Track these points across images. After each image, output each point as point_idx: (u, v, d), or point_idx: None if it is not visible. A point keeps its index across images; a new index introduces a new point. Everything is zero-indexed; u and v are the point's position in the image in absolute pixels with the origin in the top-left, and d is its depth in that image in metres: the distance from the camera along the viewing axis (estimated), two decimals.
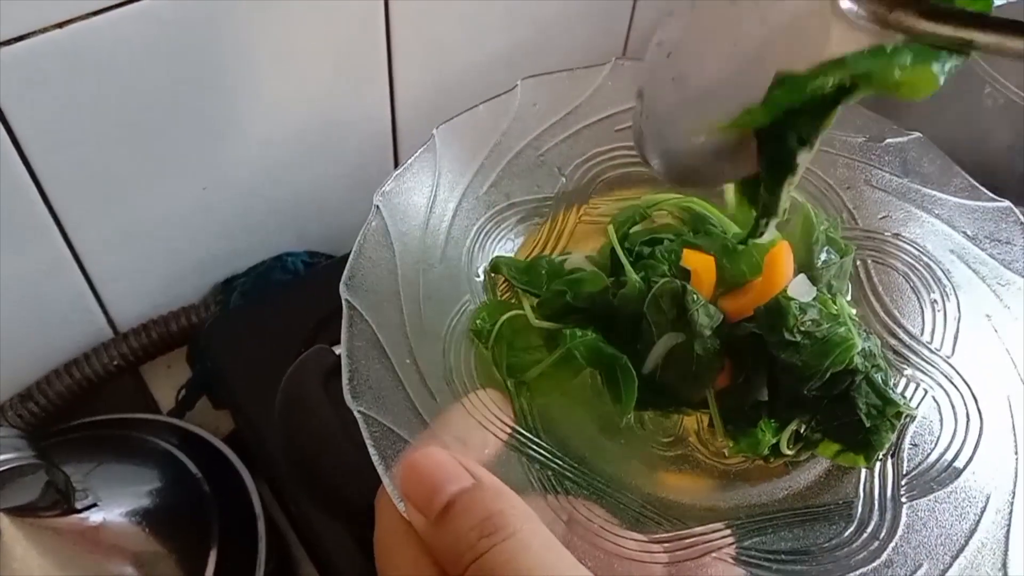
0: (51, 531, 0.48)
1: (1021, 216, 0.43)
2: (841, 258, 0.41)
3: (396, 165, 0.69)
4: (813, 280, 0.38)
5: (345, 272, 0.36)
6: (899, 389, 0.38)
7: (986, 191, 0.44)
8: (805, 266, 0.40)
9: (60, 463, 0.48)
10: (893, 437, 0.36)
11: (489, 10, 0.64)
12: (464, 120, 0.43)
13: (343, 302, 0.34)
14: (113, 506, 0.51)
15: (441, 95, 0.67)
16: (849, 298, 0.42)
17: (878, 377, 0.36)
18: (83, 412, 0.61)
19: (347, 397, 0.32)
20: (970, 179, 0.44)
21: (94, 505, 0.50)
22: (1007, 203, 0.43)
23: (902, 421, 0.37)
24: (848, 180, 0.46)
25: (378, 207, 0.39)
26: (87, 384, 0.61)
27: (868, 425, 0.35)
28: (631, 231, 0.43)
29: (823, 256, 0.40)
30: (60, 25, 0.45)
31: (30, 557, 0.47)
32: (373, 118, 0.65)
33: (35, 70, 0.46)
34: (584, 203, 0.45)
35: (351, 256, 0.37)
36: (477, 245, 0.42)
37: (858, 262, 0.43)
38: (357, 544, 0.50)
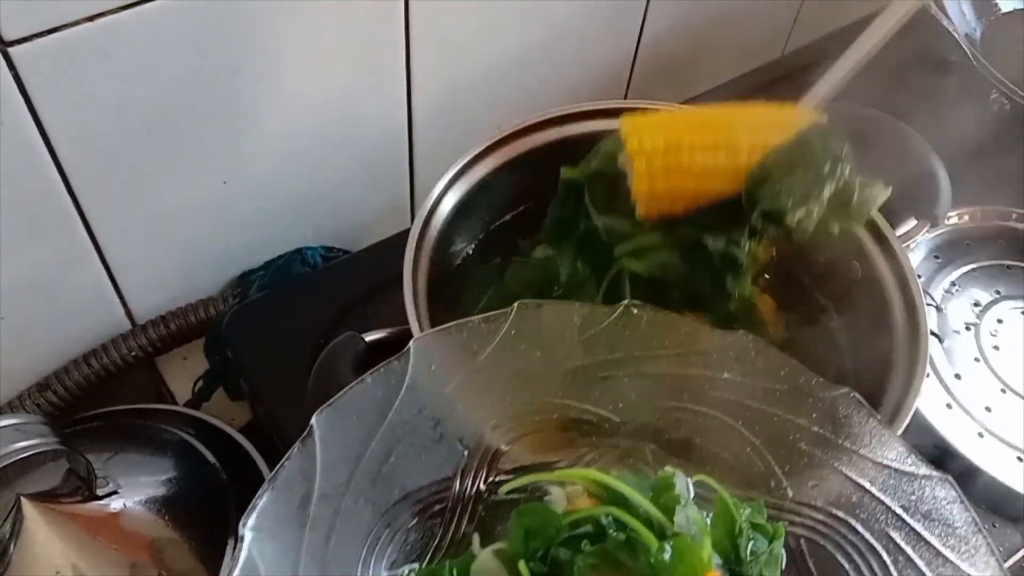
0: (72, 517, 0.49)
1: (959, 494, 0.39)
2: (770, 543, 0.38)
3: (411, 164, 0.70)
4: None
5: None
6: None
7: (922, 461, 0.40)
8: (731, 561, 0.37)
9: (79, 451, 0.49)
10: None
11: (505, 9, 0.65)
12: (349, 399, 0.37)
13: None
14: (132, 494, 0.52)
15: (458, 93, 0.67)
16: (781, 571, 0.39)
17: None
18: (99, 403, 0.61)
19: None
20: (905, 445, 0.40)
21: (114, 492, 0.51)
22: (944, 476, 0.39)
23: None
24: (776, 439, 0.42)
25: (243, 538, 0.33)
26: (104, 374, 0.62)
27: None
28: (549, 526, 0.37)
29: (749, 546, 0.38)
30: (91, 18, 0.45)
31: (51, 542, 0.48)
32: (390, 115, 0.65)
33: (65, 62, 0.46)
34: (490, 480, 0.40)
35: None
36: (366, 562, 0.37)
37: (791, 541, 0.40)
38: None
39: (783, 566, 0.39)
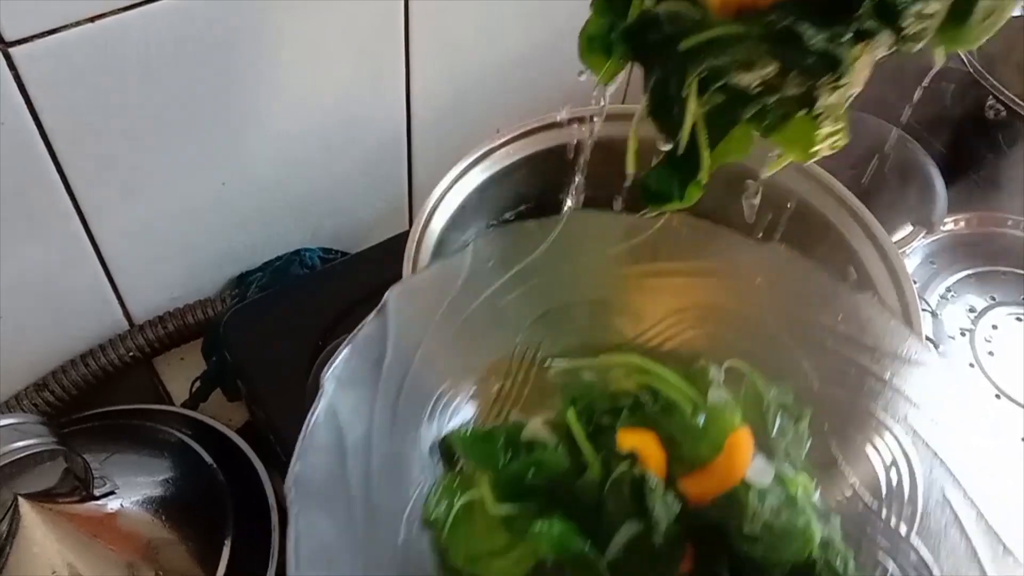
0: (69, 517, 0.49)
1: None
2: (796, 424, 0.40)
3: (410, 166, 0.70)
4: (770, 451, 0.38)
5: (292, 466, 0.33)
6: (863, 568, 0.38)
7: (937, 355, 0.43)
8: (759, 435, 0.39)
9: (77, 451, 0.49)
10: None
11: (504, 13, 0.65)
12: (417, 281, 0.42)
13: (288, 503, 0.32)
14: (129, 494, 0.52)
15: (457, 96, 0.68)
16: (806, 451, 0.41)
17: (839, 565, 0.36)
18: (97, 403, 0.61)
19: None
20: (923, 340, 0.43)
21: (111, 492, 0.51)
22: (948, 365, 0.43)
23: None
24: (805, 338, 0.44)
25: (324, 386, 0.36)
26: (102, 374, 0.62)
27: None
28: (593, 398, 0.42)
29: (777, 423, 0.40)
30: (92, 19, 0.46)
31: (48, 542, 0.48)
32: (389, 118, 0.66)
33: (66, 63, 0.47)
34: (541, 362, 0.44)
35: (297, 448, 0.34)
36: (431, 417, 0.40)
37: (815, 425, 0.42)
38: None
39: (807, 447, 0.41)
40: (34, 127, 0.48)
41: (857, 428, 0.42)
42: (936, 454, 0.40)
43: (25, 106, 0.47)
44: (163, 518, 0.52)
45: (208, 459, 0.56)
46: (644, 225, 0.45)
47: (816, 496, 0.40)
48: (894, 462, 0.41)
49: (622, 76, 0.77)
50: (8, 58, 0.44)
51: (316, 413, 0.35)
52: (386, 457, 0.37)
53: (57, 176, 0.51)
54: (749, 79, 0.37)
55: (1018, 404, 0.61)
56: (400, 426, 0.38)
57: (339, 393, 0.36)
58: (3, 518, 0.47)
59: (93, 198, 0.54)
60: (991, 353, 0.64)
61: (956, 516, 0.39)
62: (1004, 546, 0.37)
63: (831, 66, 0.36)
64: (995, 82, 0.70)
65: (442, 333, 0.41)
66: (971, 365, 0.63)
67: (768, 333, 0.44)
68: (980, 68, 0.70)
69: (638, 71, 0.73)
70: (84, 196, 0.53)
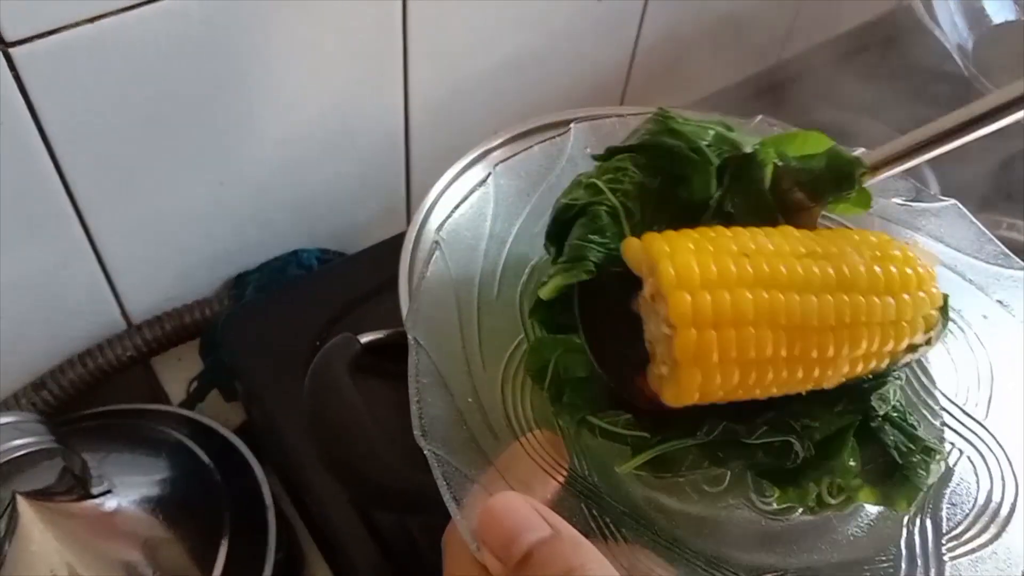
0: (67, 515, 0.49)
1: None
2: None
3: (407, 168, 0.70)
4: None
5: (408, 308, 0.36)
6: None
7: (1018, 260, 0.44)
8: None
9: (75, 450, 0.49)
10: (930, 479, 0.36)
11: (502, 15, 0.65)
12: (519, 160, 0.44)
13: (408, 338, 0.34)
14: (127, 493, 0.52)
15: (454, 98, 0.68)
16: None
17: (897, 418, 0.36)
18: (94, 402, 0.62)
19: (417, 436, 0.32)
20: (1003, 247, 0.44)
21: (109, 491, 0.51)
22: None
23: (934, 461, 0.36)
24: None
25: (437, 243, 0.38)
26: (100, 374, 0.62)
27: (901, 463, 0.35)
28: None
29: None
30: (92, 20, 0.46)
31: (47, 540, 0.48)
32: (387, 119, 0.66)
33: (66, 64, 0.47)
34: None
35: (413, 291, 0.37)
36: (532, 282, 0.41)
37: None
38: (367, 533, 0.51)
39: None
40: (34, 127, 0.48)
41: None
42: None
43: (25, 106, 0.47)
44: (160, 517, 0.52)
45: (205, 459, 0.56)
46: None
47: None
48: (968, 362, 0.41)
49: (621, 79, 0.77)
50: (8, 58, 0.45)
51: (428, 268, 0.37)
52: (492, 316, 0.38)
53: (56, 176, 0.51)
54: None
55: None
56: (504, 288, 0.40)
57: (448, 248, 0.38)
58: (1, 516, 0.47)
59: (92, 198, 0.54)
60: None
61: None
62: None
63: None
64: (992, 88, 0.70)
65: (541, 210, 0.42)
66: None
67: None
68: (976, 72, 0.70)
69: (633, 77, 0.73)
70: (83, 196, 0.54)
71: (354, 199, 0.69)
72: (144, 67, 0.50)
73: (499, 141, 0.56)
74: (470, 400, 0.35)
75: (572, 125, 0.45)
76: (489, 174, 0.42)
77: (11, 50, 0.45)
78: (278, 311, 0.59)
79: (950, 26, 0.76)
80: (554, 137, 0.45)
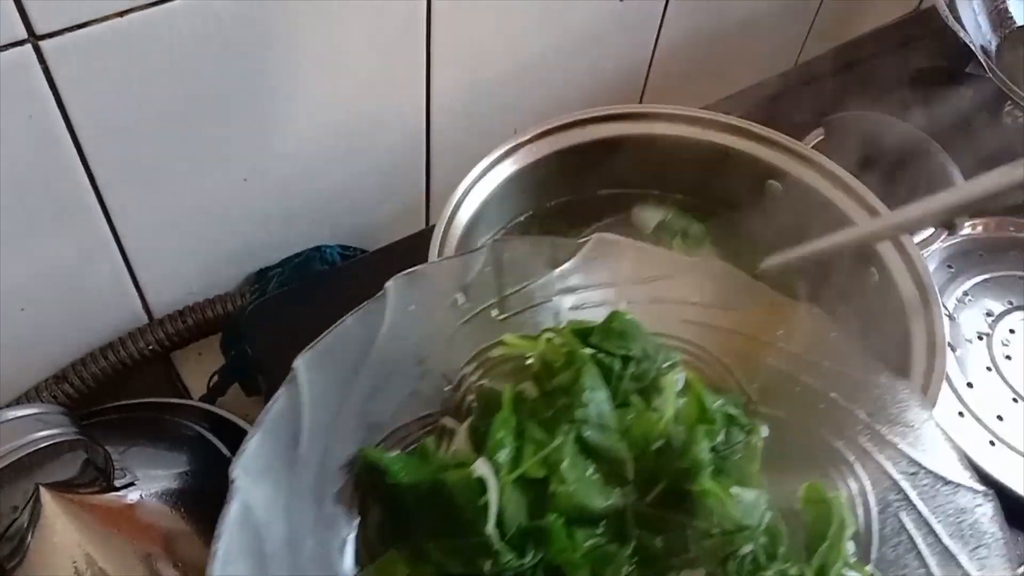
0: (89, 507, 0.49)
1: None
2: (748, 435, 0.39)
3: (428, 167, 0.71)
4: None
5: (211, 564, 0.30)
6: None
7: (885, 368, 0.42)
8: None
9: (98, 441, 0.49)
10: None
11: (524, 16, 0.65)
12: (330, 341, 0.38)
13: None
14: (148, 486, 0.52)
15: (477, 98, 0.68)
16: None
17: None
18: (115, 396, 0.62)
19: None
20: (860, 350, 0.42)
21: (131, 484, 0.51)
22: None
23: None
24: (743, 355, 0.43)
25: (235, 481, 0.32)
26: (121, 368, 0.62)
27: None
28: None
29: (720, 438, 0.38)
30: (121, 14, 0.46)
31: (69, 532, 0.48)
32: (409, 118, 0.66)
33: (95, 57, 0.47)
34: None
35: (211, 558, 0.31)
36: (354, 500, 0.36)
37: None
38: None
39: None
40: (61, 121, 0.48)
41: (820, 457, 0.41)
42: (890, 476, 0.39)
43: (53, 100, 0.47)
44: (181, 510, 0.52)
45: (226, 452, 0.56)
46: (569, 248, 0.44)
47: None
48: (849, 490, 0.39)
49: (640, 79, 0.77)
50: (38, 51, 0.45)
51: (228, 515, 0.31)
52: (312, 558, 0.34)
53: (82, 170, 0.52)
54: None
55: None
56: (325, 518, 0.35)
57: (251, 487, 0.32)
58: (24, 507, 0.47)
59: (117, 192, 0.54)
60: (1008, 357, 0.64)
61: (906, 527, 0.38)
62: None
63: None
64: (1015, 88, 0.70)
65: (358, 399, 0.37)
66: (988, 369, 0.63)
67: (707, 356, 0.43)
68: (1000, 73, 0.70)
69: (652, 77, 0.73)
70: (108, 190, 0.54)
71: (376, 197, 0.69)
72: (171, 62, 0.50)
73: (525, 139, 0.56)
74: None
75: (388, 283, 0.40)
76: (293, 368, 0.36)
77: (41, 43, 0.45)
78: (301, 305, 0.59)
79: (974, 28, 0.75)
80: (368, 303, 0.40)
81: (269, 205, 0.63)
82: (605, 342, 0.39)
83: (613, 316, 0.40)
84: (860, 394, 0.41)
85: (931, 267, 0.68)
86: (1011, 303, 0.67)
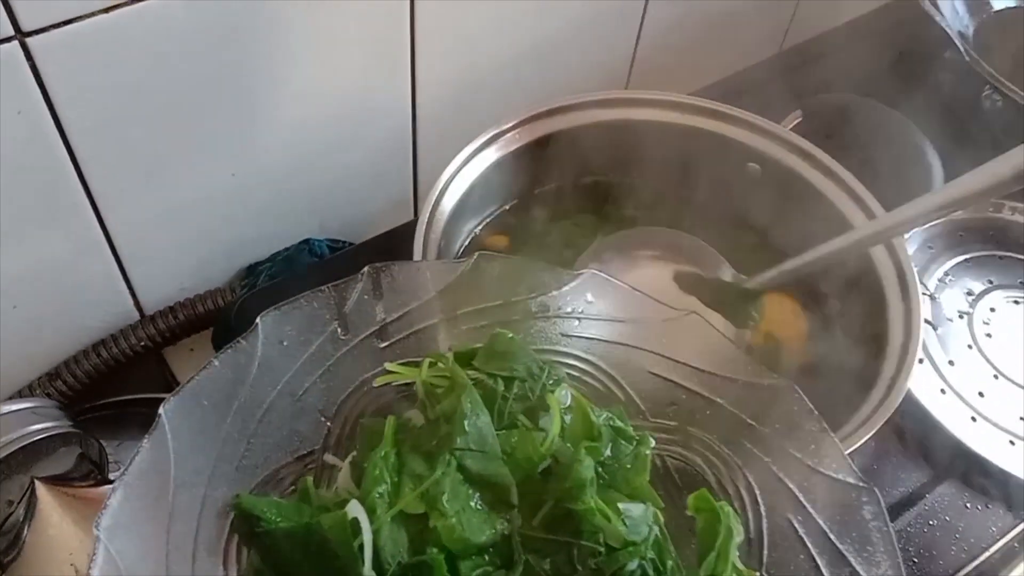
0: (85, 500, 0.49)
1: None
2: (636, 447, 0.39)
3: (415, 159, 0.71)
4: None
5: None
6: None
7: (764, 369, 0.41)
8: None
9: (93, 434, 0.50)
10: None
11: (506, 7, 0.66)
12: (195, 386, 0.36)
13: None
14: None
15: (462, 88, 0.68)
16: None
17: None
18: (107, 393, 0.62)
19: None
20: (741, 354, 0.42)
21: None
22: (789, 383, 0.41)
23: None
24: (627, 367, 0.43)
25: (99, 538, 0.31)
26: (113, 364, 0.62)
27: None
28: None
29: (607, 452, 0.38)
30: (107, 10, 0.46)
31: (65, 525, 0.48)
32: (395, 110, 0.66)
33: (82, 53, 0.47)
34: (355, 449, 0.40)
35: None
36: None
37: (656, 460, 0.41)
38: None
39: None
40: (50, 117, 0.49)
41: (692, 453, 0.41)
42: (778, 476, 0.39)
43: (41, 96, 0.48)
44: None
45: None
46: (450, 270, 0.43)
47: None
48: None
49: (625, 67, 0.78)
50: (25, 48, 0.45)
51: (93, 571, 0.30)
52: None
53: (71, 166, 0.52)
54: None
55: (1016, 384, 0.62)
56: (205, 568, 0.34)
57: (118, 543, 0.31)
58: (20, 501, 0.48)
59: (106, 188, 0.55)
60: (989, 335, 0.65)
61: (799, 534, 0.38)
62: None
63: None
64: (992, 71, 0.70)
65: (233, 443, 0.36)
66: (969, 347, 0.64)
67: (593, 368, 0.43)
68: (977, 57, 0.71)
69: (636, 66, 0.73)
70: (97, 186, 0.54)
71: (363, 190, 0.70)
72: (159, 57, 0.50)
73: (508, 126, 0.57)
74: None
75: (258, 319, 0.39)
76: (158, 416, 0.34)
77: (28, 40, 0.45)
78: (291, 297, 0.59)
79: (951, 13, 0.76)
80: (237, 341, 0.37)
81: (257, 199, 0.63)
82: (488, 364, 0.39)
83: (495, 337, 0.40)
84: (746, 399, 0.41)
85: (911, 248, 0.69)
86: (991, 282, 0.68)
